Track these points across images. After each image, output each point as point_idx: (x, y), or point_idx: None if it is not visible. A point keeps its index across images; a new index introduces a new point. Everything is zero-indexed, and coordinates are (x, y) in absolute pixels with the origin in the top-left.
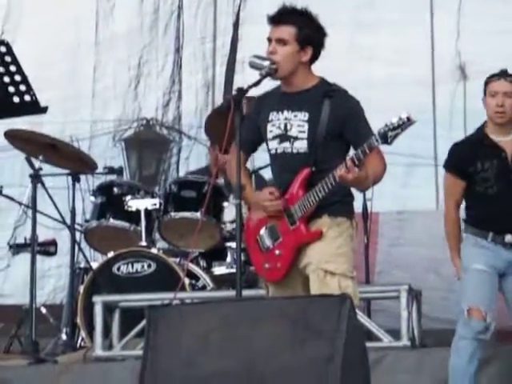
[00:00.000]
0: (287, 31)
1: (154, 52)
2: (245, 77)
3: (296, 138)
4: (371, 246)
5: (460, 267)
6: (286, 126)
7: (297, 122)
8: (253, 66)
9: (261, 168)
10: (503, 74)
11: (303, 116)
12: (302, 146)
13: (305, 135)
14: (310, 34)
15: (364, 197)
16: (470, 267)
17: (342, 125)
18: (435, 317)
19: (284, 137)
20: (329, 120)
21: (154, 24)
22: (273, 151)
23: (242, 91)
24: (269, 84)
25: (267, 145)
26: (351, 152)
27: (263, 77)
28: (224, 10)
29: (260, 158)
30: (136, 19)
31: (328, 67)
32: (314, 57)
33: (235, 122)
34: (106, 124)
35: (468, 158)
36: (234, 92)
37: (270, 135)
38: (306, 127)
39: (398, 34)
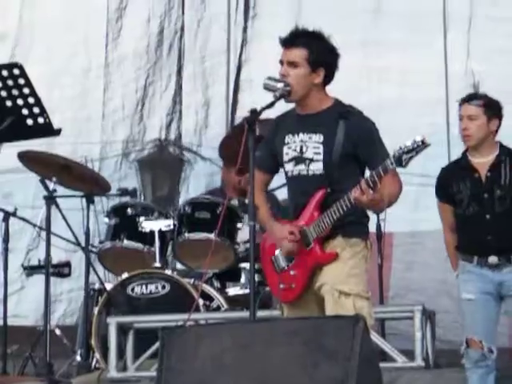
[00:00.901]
0: (299, 54)
1: (159, 73)
2: (252, 96)
3: (312, 160)
4: (385, 270)
5: None
6: (301, 148)
7: (312, 144)
8: (266, 87)
9: (274, 189)
10: (469, 98)
11: (318, 138)
12: (317, 167)
13: (320, 157)
14: (321, 55)
15: (378, 217)
16: (461, 297)
17: (356, 146)
18: (449, 340)
19: (300, 159)
20: (344, 141)
21: (159, 44)
22: (289, 173)
23: (255, 113)
24: (283, 106)
25: (283, 167)
26: (367, 173)
27: (277, 99)
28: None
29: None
30: (143, 40)
31: (338, 89)
32: (328, 78)
33: (249, 143)
34: (115, 145)
35: (448, 182)
36: (247, 114)
37: (285, 158)
38: (321, 149)
39: (408, 54)
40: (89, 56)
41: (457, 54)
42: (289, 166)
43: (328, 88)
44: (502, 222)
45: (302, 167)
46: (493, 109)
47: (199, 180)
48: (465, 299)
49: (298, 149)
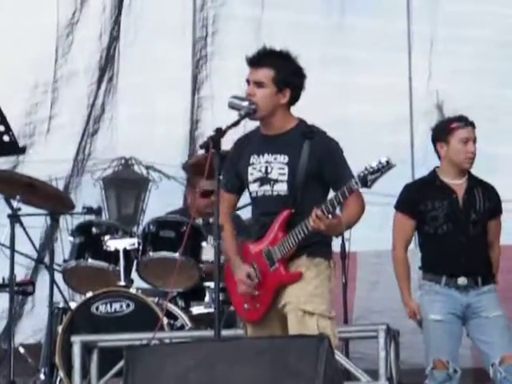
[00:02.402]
0: (265, 74)
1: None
2: (214, 113)
3: (276, 181)
4: (349, 290)
5: (412, 308)
6: (266, 168)
7: (277, 165)
8: (232, 106)
9: (239, 208)
10: (466, 120)
11: (283, 159)
12: (282, 188)
13: (285, 177)
14: (288, 76)
15: (342, 237)
16: (426, 318)
17: (320, 166)
18: (415, 362)
19: (265, 180)
20: (308, 162)
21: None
22: (253, 194)
23: (220, 131)
24: (248, 124)
25: (248, 188)
26: (331, 193)
27: (242, 117)
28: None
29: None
30: (95, 55)
31: (298, 105)
32: (293, 99)
33: (214, 162)
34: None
35: (419, 198)
36: (212, 132)
37: (250, 178)
38: (286, 170)
39: (371, 71)
40: (36, 71)
41: (420, 74)
42: (253, 187)
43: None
44: (475, 245)
45: (266, 188)
46: None
47: (163, 199)
48: (432, 320)
49: (263, 169)
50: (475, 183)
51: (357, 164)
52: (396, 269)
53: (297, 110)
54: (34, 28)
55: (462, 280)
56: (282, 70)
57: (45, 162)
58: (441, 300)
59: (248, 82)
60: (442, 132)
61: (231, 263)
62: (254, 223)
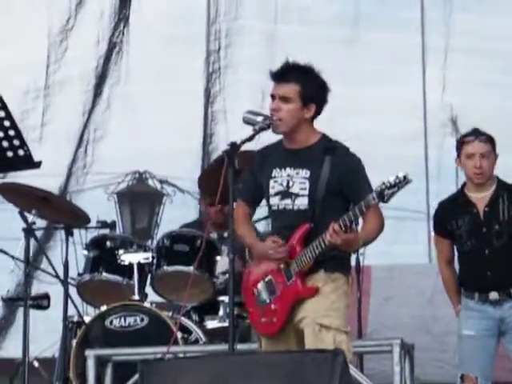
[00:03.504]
0: (291, 89)
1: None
2: (227, 127)
3: (297, 195)
4: (363, 304)
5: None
6: (288, 183)
7: (299, 180)
8: (246, 121)
9: (255, 221)
10: (476, 134)
11: (305, 173)
12: (302, 202)
13: (306, 192)
14: (313, 91)
15: (357, 251)
16: (460, 333)
17: (341, 182)
18: (428, 379)
19: (286, 193)
20: (329, 177)
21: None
22: (274, 207)
23: (235, 146)
24: (261, 139)
25: (268, 201)
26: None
27: (257, 132)
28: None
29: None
30: (91, 62)
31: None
32: (317, 113)
33: (228, 176)
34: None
35: (446, 217)
36: (227, 147)
37: (272, 191)
38: (307, 184)
39: (385, 85)
40: (28, 77)
41: (434, 87)
42: (274, 200)
43: None
44: (501, 256)
45: (287, 202)
46: (494, 144)
47: (177, 212)
48: (465, 335)
49: (285, 183)
50: (503, 191)
51: (370, 177)
52: (444, 286)
53: None
54: (25, 33)
55: (493, 295)
56: (308, 85)
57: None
58: (474, 316)
59: (273, 96)
60: (456, 147)
61: (256, 249)
62: (272, 234)
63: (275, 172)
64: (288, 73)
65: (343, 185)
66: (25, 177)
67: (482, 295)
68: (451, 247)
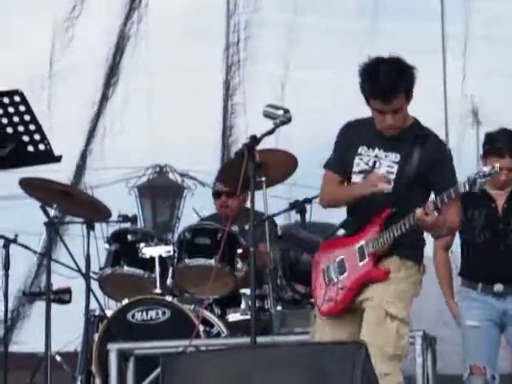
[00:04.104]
0: (399, 100)
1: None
2: (247, 120)
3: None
4: None
5: (453, 310)
6: (374, 163)
7: (387, 163)
8: (267, 115)
9: (274, 215)
10: (500, 152)
11: (394, 157)
12: (387, 186)
13: (393, 176)
14: (411, 87)
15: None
16: (464, 324)
17: (430, 171)
18: (449, 373)
19: (370, 173)
20: (418, 164)
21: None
22: None
23: (255, 139)
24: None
25: (350, 177)
26: (432, 197)
27: (277, 126)
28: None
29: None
30: (101, 51)
31: (336, 110)
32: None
33: (249, 169)
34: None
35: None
36: (247, 140)
37: (356, 168)
38: (395, 168)
39: None
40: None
41: (454, 76)
42: (357, 178)
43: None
44: None
45: None
46: None
47: (198, 206)
48: (469, 326)
49: (371, 163)
50: None
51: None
52: (437, 271)
53: (332, 114)
54: (30, 22)
55: (497, 287)
56: (408, 88)
57: None
58: (477, 306)
59: (381, 112)
60: (483, 148)
61: (355, 190)
62: (350, 216)
63: (362, 149)
64: (394, 90)
65: (431, 173)
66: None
67: (487, 286)
68: (454, 235)
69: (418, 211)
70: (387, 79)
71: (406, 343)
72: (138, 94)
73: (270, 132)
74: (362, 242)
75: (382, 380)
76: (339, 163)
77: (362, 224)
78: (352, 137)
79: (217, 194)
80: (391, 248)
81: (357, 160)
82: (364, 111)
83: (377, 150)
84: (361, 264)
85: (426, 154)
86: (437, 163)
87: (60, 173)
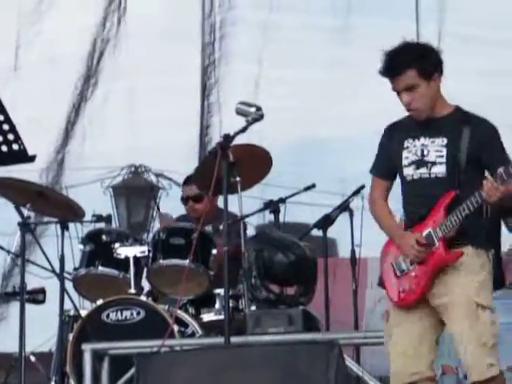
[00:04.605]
0: (409, 76)
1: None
2: (222, 118)
3: (434, 163)
4: (360, 296)
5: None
6: (422, 151)
7: (434, 148)
8: (239, 112)
9: (248, 215)
10: None
11: (441, 141)
12: (440, 170)
13: (443, 159)
14: (426, 64)
15: (352, 243)
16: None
17: (480, 150)
18: None
19: (421, 162)
20: (469, 145)
21: (99, 55)
22: (408, 177)
23: (228, 138)
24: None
25: (401, 171)
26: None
27: (250, 123)
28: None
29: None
30: (78, 46)
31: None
32: (440, 76)
33: (222, 168)
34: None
35: None
36: (220, 139)
37: (405, 161)
38: (444, 152)
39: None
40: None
41: None
42: (408, 170)
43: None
44: None
45: (423, 170)
46: None
47: (173, 206)
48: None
49: (419, 152)
50: None
51: (364, 164)
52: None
53: (305, 110)
54: None
55: None
56: (420, 63)
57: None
58: None
59: (397, 92)
60: None
61: (396, 239)
62: (407, 207)
63: (407, 143)
64: (397, 64)
65: (482, 153)
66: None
67: None
68: None
69: (487, 184)
70: (390, 55)
71: (497, 330)
72: (116, 95)
73: (243, 130)
74: (429, 229)
75: (488, 371)
76: (382, 166)
77: (423, 213)
78: (392, 136)
79: (185, 200)
80: (463, 236)
81: (405, 153)
82: (338, 108)
83: (422, 138)
84: (431, 250)
85: (475, 134)
86: (486, 142)
87: (31, 172)
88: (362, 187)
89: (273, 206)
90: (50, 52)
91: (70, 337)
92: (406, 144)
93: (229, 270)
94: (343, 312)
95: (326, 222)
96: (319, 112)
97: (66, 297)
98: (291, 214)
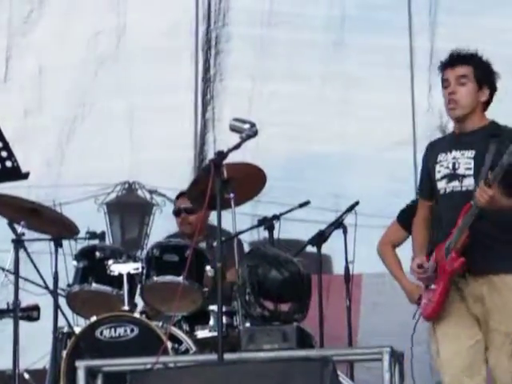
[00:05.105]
0: (465, 70)
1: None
2: (217, 135)
3: (464, 176)
4: (354, 312)
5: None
6: (454, 165)
7: (464, 160)
8: (233, 129)
9: (242, 232)
10: None
11: (470, 153)
12: (470, 183)
13: (471, 172)
14: (486, 73)
15: (346, 259)
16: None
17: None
18: None
19: (452, 176)
20: (494, 158)
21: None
22: (442, 191)
23: (222, 154)
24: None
25: (435, 185)
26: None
27: (244, 140)
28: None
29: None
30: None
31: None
32: (489, 99)
33: (215, 185)
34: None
35: None
36: (214, 156)
37: (438, 176)
38: (472, 164)
39: (372, 88)
40: None
41: (421, 90)
42: (441, 184)
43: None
44: None
45: (455, 184)
46: None
47: (168, 223)
48: None
49: (451, 166)
50: None
51: (358, 180)
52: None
53: (299, 126)
54: None
55: None
56: (480, 67)
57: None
58: None
59: (446, 82)
60: None
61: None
62: (443, 220)
63: (440, 157)
64: (460, 57)
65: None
66: None
67: None
68: None
69: (477, 189)
70: (456, 51)
71: None
72: (111, 112)
73: (237, 146)
74: (448, 241)
75: None
76: (424, 187)
77: (451, 226)
78: (431, 154)
79: (177, 212)
80: (498, 265)
81: (437, 168)
82: (332, 124)
83: (453, 152)
84: (447, 260)
85: (500, 148)
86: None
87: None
88: (356, 203)
89: (267, 223)
90: (40, 63)
91: (64, 354)
92: (439, 158)
93: (223, 287)
94: (337, 328)
95: (320, 238)
96: (313, 127)
97: (59, 314)
98: (285, 230)
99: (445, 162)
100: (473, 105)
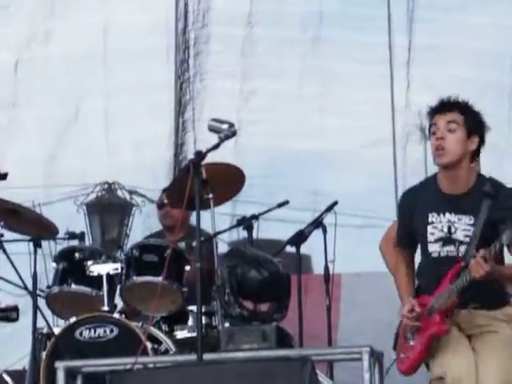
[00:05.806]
0: (455, 117)
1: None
2: (197, 136)
3: (462, 242)
4: (333, 312)
5: None
6: (449, 228)
7: (462, 226)
8: (211, 129)
9: (221, 232)
10: None
11: (469, 220)
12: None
13: (468, 239)
14: (476, 123)
15: (325, 259)
16: None
17: (499, 222)
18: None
19: (448, 240)
20: (486, 220)
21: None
22: (434, 254)
23: (200, 155)
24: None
25: (426, 247)
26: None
27: (222, 140)
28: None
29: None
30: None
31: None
32: (478, 151)
33: (194, 185)
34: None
35: None
36: (193, 156)
37: (431, 238)
38: (471, 231)
39: (351, 84)
40: None
41: (400, 87)
42: (434, 247)
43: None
44: None
45: (450, 248)
46: None
47: (147, 223)
48: None
49: (446, 229)
50: None
51: (336, 176)
52: None
53: (278, 123)
54: None
55: None
56: (470, 116)
57: None
58: None
59: (435, 126)
60: None
61: (403, 297)
62: (428, 280)
63: (432, 217)
64: (451, 104)
65: (499, 223)
66: None
67: None
68: None
69: (472, 262)
70: (448, 97)
71: None
72: (90, 113)
73: (215, 147)
74: (433, 300)
75: None
76: (406, 239)
77: (437, 287)
78: (415, 204)
79: (161, 205)
80: (492, 302)
81: (430, 229)
82: (311, 121)
83: (448, 214)
84: (430, 319)
85: (496, 210)
86: (506, 214)
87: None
88: (335, 203)
89: (246, 223)
90: (17, 59)
91: (44, 355)
92: (430, 218)
93: (202, 287)
94: (316, 327)
95: (300, 238)
96: (292, 125)
97: (39, 315)
98: (264, 230)
99: (439, 225)
100: (461, 153)
